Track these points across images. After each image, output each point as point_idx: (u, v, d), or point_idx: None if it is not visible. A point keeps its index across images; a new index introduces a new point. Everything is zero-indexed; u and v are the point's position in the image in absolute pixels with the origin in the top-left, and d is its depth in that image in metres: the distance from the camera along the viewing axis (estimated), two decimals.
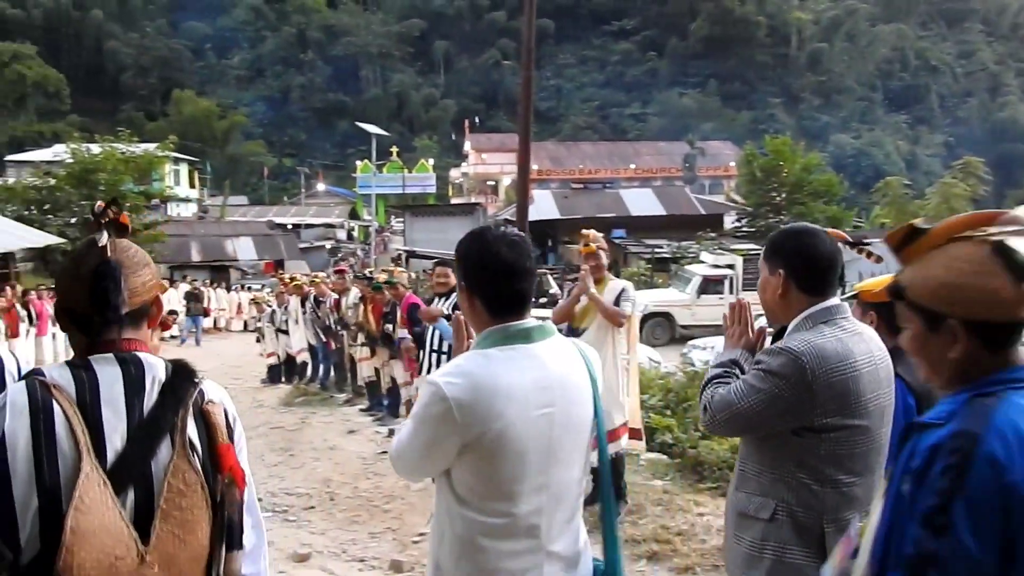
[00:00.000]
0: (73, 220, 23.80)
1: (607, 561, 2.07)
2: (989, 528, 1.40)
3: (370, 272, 13.04)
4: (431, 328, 6.56)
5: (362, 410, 10.21)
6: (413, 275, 18.85)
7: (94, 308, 1.63)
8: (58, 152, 30.39)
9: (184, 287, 24.25)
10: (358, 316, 10.38)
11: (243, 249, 38.05)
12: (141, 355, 1.67)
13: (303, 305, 12.42)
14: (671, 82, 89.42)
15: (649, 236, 30.97)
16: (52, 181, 24.13)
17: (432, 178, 61.35)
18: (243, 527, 1.71)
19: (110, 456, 1.57)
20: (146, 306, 1.74)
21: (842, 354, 2.21)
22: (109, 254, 1.66)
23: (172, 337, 22.32)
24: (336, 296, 11.37)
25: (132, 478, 1.58)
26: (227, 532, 1.67)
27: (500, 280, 1.98)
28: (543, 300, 20.33)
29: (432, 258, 28.98)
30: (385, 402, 9.62)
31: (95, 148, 25.00)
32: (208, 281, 29.13)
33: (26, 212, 23.54)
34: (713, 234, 29.01)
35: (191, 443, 1.64)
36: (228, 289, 29.06)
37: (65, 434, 1.54)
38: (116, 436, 1.58)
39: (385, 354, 9.29)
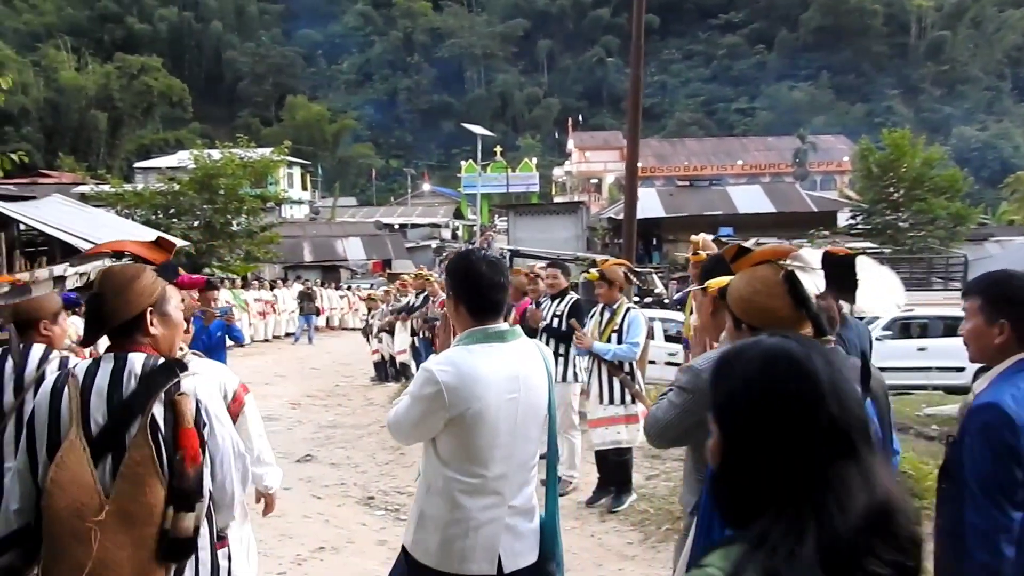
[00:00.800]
0: (196, 224, 24.94)
1: (547, 513, 2.63)
2: None
3: None
4: (540, 331, 6.57)
5: None
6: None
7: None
8: (182, 159, 31.94)
9: (297, 287, 25.08)
10: None
11: (352, 249, 39.13)
12: (131, 355, 2.22)
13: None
14: (781, 75, 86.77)
15: (758, 234, 30.07)
16: (176, 186, 25.32)
17: (535, 177, 61.47)
18: (195, 494, 2.13)
19: (94, 429, 2.13)
20: (132, 319, 2.25)
21: None
22: (95, 288, 2.28)
23: (287, 335, 23.14)
24: (444, 296, 11.48)
25: (109, 446, 2.12)
26: (177, 496, 2.11)
27: (481, 291, 2.51)
28: (648, 300, 19.96)
29: (537, 257, 29.04)
30: None
31: (216, 154, 26.13)
32: (319, 280, 30.07)
33: (153, 216, 24.77)
34: (826, 232, 27.99)
35: (154, 423, 2.13)
36: (337, 288, 29.92)
37: (66, 410, 2.15)
38: (99, 414, 2.14)
39: None
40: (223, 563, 2.36)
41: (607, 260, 6.54)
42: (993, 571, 2.20)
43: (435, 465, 2.48)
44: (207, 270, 23.60)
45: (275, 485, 3.03)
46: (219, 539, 2.35)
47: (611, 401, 5.90)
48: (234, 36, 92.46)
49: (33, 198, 19.91)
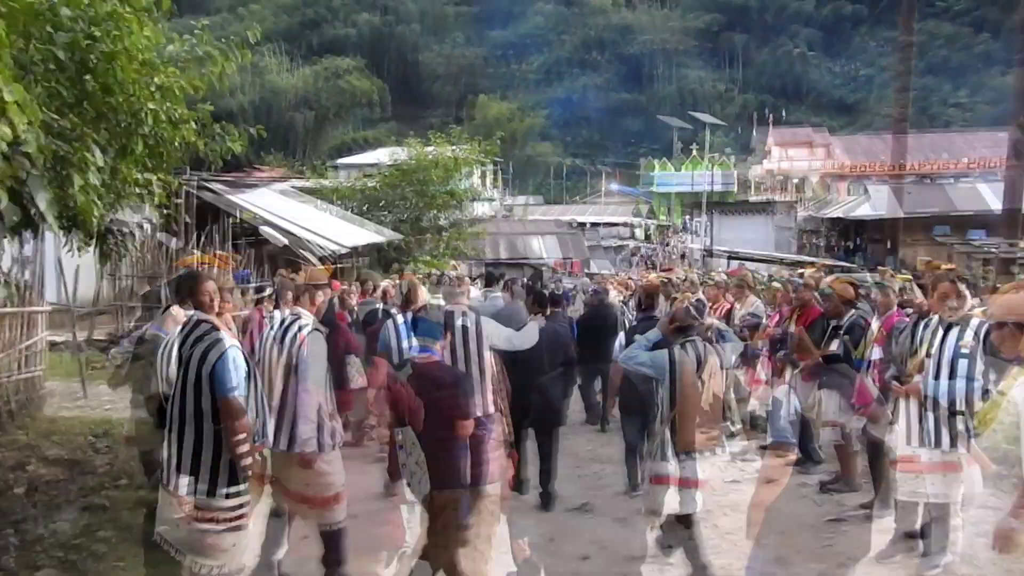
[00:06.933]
0: (404, 217, 25.30)
1: None
2: None
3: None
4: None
5: None
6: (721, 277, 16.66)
7: None
8: (380, 156, 32.81)
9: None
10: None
11: (549, 247, 38.48)
12: None
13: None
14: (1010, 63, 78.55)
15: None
16: (375, 183, 25.98)
17: (730, 176, 59.22)
18: None
19: None
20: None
21: None
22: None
23: None
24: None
25: None
26: None
27: None
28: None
29: (751, 260, 27.15)
30: None
31: (426, 149, 26.41)
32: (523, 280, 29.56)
33: (364, 209, 25.26)
34: None
35: None
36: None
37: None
38: None
39: None
40: None
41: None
42: None
43: None
44: (410, 267, 23.66)
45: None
46: None
47: (921, 442, 4.52)
48: (429, 38, 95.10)
49: (255, 186, 20.65)
